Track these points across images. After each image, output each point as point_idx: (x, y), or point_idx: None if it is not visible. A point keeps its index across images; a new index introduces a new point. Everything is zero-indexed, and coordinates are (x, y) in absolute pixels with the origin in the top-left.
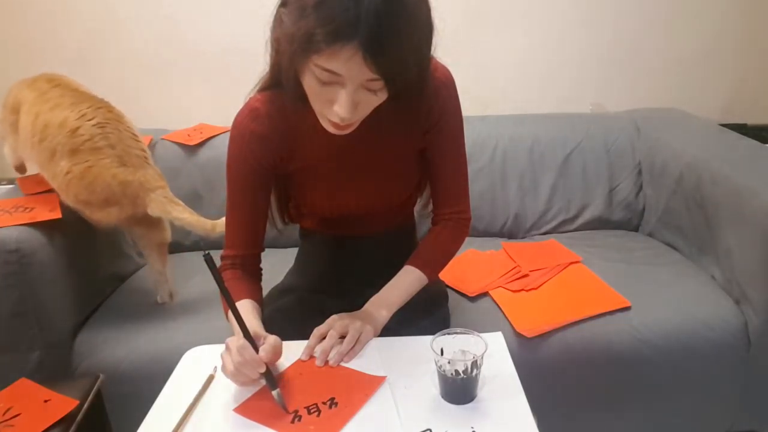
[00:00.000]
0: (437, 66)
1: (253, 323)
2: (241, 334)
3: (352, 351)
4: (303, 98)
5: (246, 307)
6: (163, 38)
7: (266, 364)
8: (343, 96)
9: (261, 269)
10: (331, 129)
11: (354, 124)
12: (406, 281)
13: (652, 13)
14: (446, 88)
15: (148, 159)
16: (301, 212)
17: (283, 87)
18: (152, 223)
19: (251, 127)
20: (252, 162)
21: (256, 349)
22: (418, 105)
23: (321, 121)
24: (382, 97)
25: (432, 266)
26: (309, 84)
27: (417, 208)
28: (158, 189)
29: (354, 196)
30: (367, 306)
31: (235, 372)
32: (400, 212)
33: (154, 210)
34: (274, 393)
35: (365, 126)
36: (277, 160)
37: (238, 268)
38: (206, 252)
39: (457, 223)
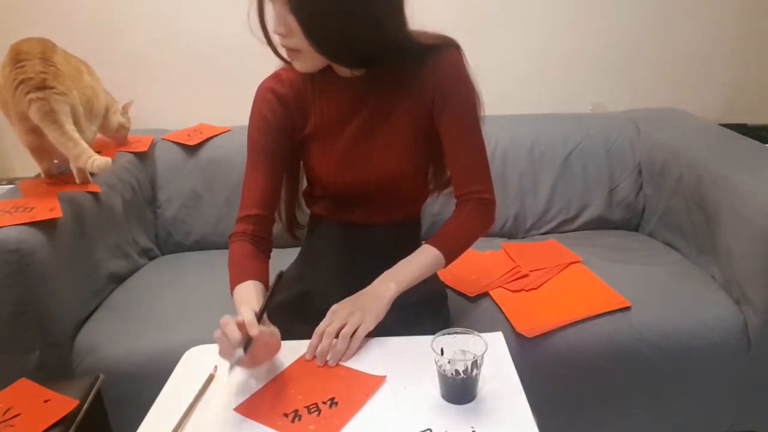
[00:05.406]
0: (443, 51)
1: (254, 306)
2: (247, 313)
3: (350, 348)
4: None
5: (250, 290)
6: (163, 38)
7: (251, 335)
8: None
9: (272, 241)
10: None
11: (301, 59)
12: (422, 260)
13: (653, 13)
14: (450, 67)
15: (50, 61)
16: (313, 194)
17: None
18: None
19: (272, 86)
20: (270, 118)
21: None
22: (420, 83)
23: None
24: (301, 40)
25: (450, 246)
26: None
27: (438, 196)
28: (39, 91)
29: (360, 163)
30: (377, 281)
31: (220, 335)
32: (406, 203)
33: (33, 115)
34: (239, 350)
35: (370, 95)
36: (292, 123)
37: (248, 241)
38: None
39: (476, 204)
